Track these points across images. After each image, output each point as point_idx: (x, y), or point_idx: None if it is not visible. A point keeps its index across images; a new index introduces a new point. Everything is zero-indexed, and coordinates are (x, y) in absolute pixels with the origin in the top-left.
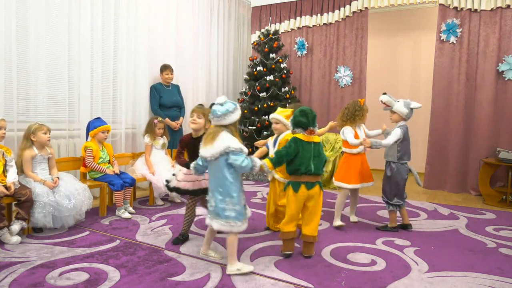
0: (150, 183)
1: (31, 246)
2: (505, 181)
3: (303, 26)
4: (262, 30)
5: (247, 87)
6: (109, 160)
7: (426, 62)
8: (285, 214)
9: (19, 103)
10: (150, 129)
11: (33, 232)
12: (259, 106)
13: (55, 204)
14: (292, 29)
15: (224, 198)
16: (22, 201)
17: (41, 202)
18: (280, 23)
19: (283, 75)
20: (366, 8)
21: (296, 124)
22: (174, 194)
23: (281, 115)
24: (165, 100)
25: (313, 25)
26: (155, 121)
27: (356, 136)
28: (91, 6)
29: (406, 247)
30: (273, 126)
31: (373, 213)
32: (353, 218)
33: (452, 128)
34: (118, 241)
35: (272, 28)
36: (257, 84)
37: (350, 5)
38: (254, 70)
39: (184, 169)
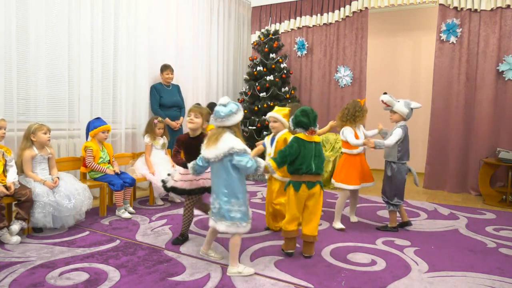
0: (150, 183)
1: (31, 246)
2: (505, 181)
3: (303, 26)
4: (262, 30)
5: (247, 87)
6: (109, 160)
7: (426, 62)
8: (286, 214)
9: (19, 103)
10: (150, 129)
11: (33, 232)
12: (259, 106)
13: (55, 204)
14: (292, 29)
15: (230, 200)
16: (22, 201)
17: (41, 202)
18: (280, 23)
19: (283, 75)
20: (366, 8)
21: (297, 124)
22: (173, 194)
23: (279, 114)
24: (165, 100)
25: (313, 25)
26: (155, 121)
27: (356, 137)
28: (91, 6)
29: (406, 247)
30: (271, 124)
31: (373, 213)
32: (353, 219)
33: (452, 128)
34: (118, 241)
35: (272, 28)
36: (257, 84)
37: (350, 5)
38: (254, 70)
39: (181, 169)
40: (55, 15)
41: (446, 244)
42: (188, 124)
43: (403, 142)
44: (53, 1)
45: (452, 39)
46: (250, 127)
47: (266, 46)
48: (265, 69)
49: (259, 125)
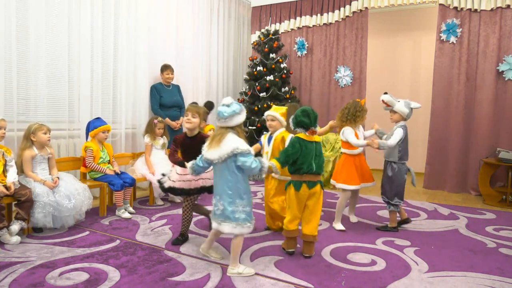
0: (150, 183)
1: (31, 246)
2: (505, 181)
3: (303, 26)
4: (262, 30)
5: (247, 87)
6: (109, 160)
7: (426, 62)
8: (287, 213)
9: (19, 103)
10: (150, 129)
11: (33, 232)
12: (259, 106)
13: (55, 204)
14: (292, 29)
15: (234, 200)
16: (22, 201)
17: (41, 202)
18: (280, 23)
19: (283, 75)
20: (366, 8)
21: (298, 124)
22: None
23: (277, 112)
24: (165, 100)
25: (313, 25)
26: (155, 121)
27: (356, 137)
28: (91, 6)
29: (406, 247)
30: (269, 123)
31: (373, 213)
32: (353, 219)
33: (452, 128)
34: (118, 241)
35: (272, 28)
36: (257, 84)
37: (350, 5)
38: (254, 70)
39: (179, 169)
40: (55, 15)
41: (446, 244)
42: (185, 124)
43: (403, 142)
44: (53, 1)
45: (452, 39)
46: (250, 127)
47: (266, 46)
48: (265, 69)
49: (259, 125)
